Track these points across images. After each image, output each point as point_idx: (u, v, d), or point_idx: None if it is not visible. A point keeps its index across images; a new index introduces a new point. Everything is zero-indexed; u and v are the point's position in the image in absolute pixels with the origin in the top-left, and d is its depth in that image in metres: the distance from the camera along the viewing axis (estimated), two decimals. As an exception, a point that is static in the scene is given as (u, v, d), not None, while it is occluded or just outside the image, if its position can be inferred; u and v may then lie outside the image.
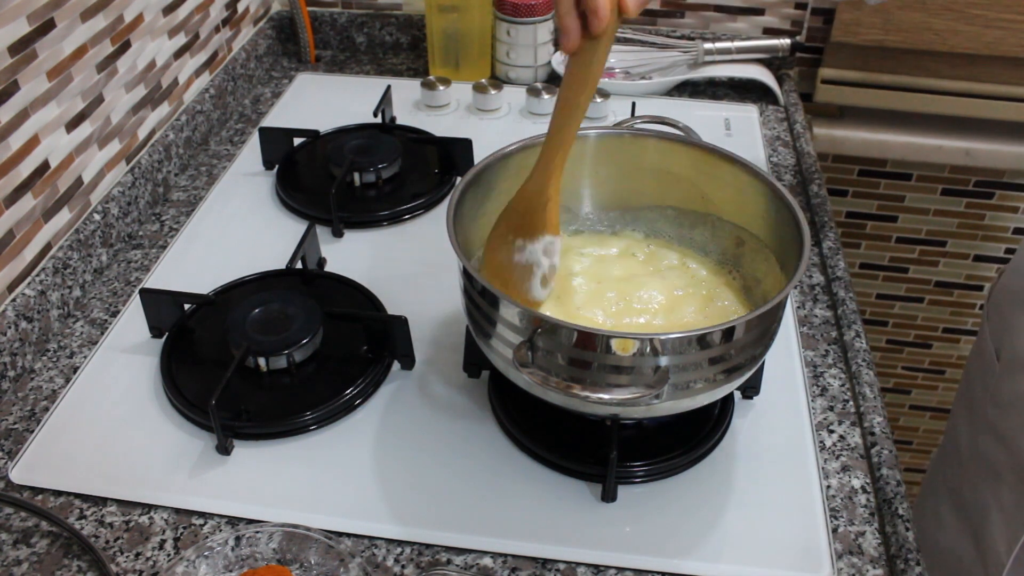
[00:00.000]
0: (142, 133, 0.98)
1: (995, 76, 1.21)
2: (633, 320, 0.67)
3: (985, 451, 0.83)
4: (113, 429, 0.70)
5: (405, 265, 0.88)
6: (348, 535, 0.63)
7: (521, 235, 0.65)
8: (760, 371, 0.72)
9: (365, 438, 0.69)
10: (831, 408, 0.73)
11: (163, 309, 0.78)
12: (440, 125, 1.09)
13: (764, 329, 0.60)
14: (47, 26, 0.79)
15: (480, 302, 0.61)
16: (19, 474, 0.67)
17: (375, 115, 1.05)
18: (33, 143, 0.79)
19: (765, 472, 0.67)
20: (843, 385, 0.75)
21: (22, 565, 0.61)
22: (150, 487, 0.66)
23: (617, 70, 1.20)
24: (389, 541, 0.62)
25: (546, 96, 1.10)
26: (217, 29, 1.14)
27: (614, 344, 0.55)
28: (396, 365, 0.76)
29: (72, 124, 0.85)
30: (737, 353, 0.58)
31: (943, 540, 0.92)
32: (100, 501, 0.65)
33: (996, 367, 0.82)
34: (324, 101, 1.17)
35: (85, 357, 0.78)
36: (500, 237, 0.66)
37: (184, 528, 0.63)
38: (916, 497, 1.05)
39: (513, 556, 0.61)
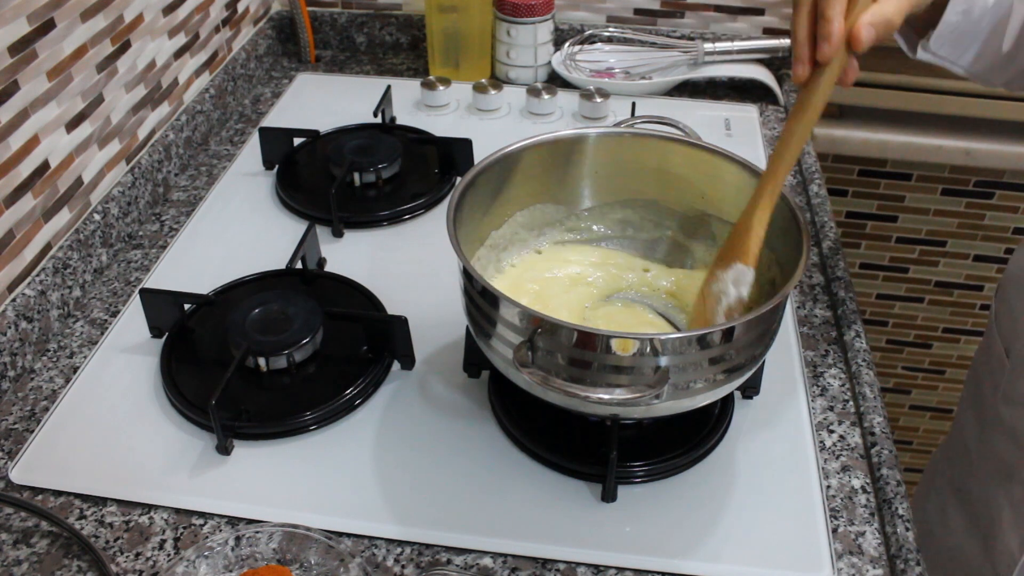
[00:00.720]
0: (142, 133, 0.98)
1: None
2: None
3: (996, 449, 0.83)
4: (113, 429, 0.70)
5: (405, 265, 0.88)
6: (348, 535, 0.63)
7: (720, 265, 0.65)
8: (760, 371, 0.72)
9: (365, 438, 0.69)
10: (831, 408, 0.73)
11: (163, 309, 0.78)
12: (440, 125, 1.09)
13: (764, 329, 0.60)
14: (47, 26, 0.79)
15: (480, 302, 0.61)
16: (19, 474, 0.67)
17: (375, 115, 1.05)
18: (33, 143, 0.79)
19: (765, 472, 0.67)
20: (843, 385, 0.75)
21: (22, 565, 0.61)
22: (150, 487, 0.66)
23: (617, 70, 1.20)
24: (389, 541, 0.62)
25: (546, 96, 1.10)
26: (217, 29, 1.14)
27: (614, 344, 0.55)
28: (396, 365, 0.76)
29: (72, 124, 0.85)
30: (737, 353, 0.58)
31: (949, 539, 0.91)
32: (100, 501, 0.65)
33: (1007, 364, 0.81)
34: (324, 101, 1.17)
35: (85, 357, 0.78)
36: (711, 271, 0.66)
37: (184, 528, 0.63)
38: (913, 497, 1.04)
39: (513, 556, 0.61)
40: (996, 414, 0.83)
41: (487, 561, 0.61)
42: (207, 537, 0.62)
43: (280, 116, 1.13)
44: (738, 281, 0.63)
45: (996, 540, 0.83)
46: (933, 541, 0.93)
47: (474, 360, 0.73)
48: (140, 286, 0.83)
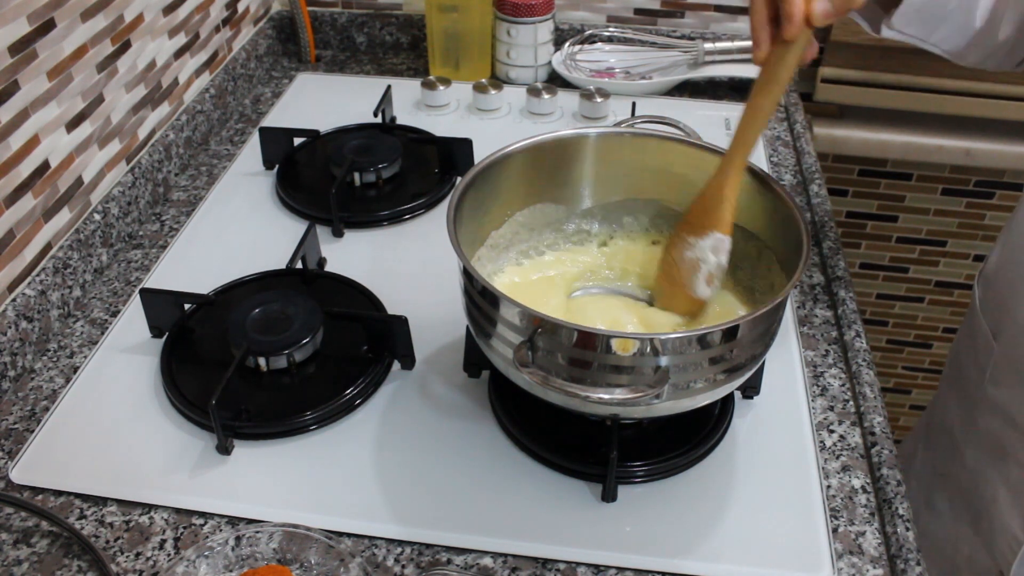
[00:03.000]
0: (142, 133, 0.98)
1: (995, 76, 1.21)
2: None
3: (986, 430, 0.82)
4: (113, 429, 0.70)
5: (405, 265, 0.88)
6: (348, 535, 0.63)
7: (694, 232, 0.67)
8: (760, 371, 0.72)
9: (365, 438, 0.70)
10: (831, 408, 0.73)
11: (163, 309, 0.78)
12: (440, 125, 1.09)
13: (764, 329, 0.60)
14: (47, 26, 0.80)
15: (480, 302, 0.61)
16: (19, 474, 0.67)
17: (375, 115, 1.05)
18: (33, 143, 0.79)
19: (765, 472, 0.67)
20: (843, 385, 0.75)
21: (22, 565, 0.61)
22: (150, 487, 0.66)
23: (617, 70, 1.20)
24: (389, 541, 0.62)
25: (546, 96, 1.10)
26: (217, 29, 1.14)
27: (614, 344, 0.55)
28: (396, 365, 0.76)
29: (72, 124, 0.85)
30: (737, 353, 0.58)
31: (935, 524, 0.91)
32: (100, 501, 0.65)
33: (994, 346, 0.81)
34: (324, 101, 1.17)
35: (85, 357, 0.78)
36: (678, 235, 0.68)
37: (184, 528, 0.63)
38: None
39: (513, 556, 0.61)
40: (984, 396, 0.82)
41: (487, 561, 0.61)
42: (207, 537, 0.62)
43: (280, 116, 1.13)
44: (717, 249, 0.66)
45: (992, 523, 0.82)
46: (924, 531, 0.93)
47: (474, 360, 0.73)
48: (140, 286, 0.83)
